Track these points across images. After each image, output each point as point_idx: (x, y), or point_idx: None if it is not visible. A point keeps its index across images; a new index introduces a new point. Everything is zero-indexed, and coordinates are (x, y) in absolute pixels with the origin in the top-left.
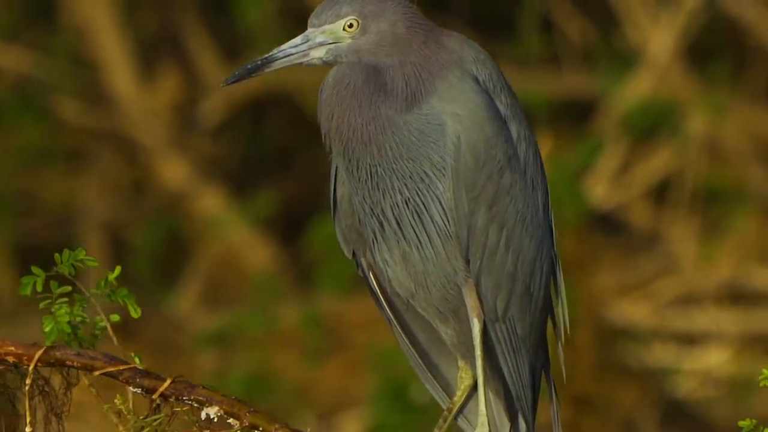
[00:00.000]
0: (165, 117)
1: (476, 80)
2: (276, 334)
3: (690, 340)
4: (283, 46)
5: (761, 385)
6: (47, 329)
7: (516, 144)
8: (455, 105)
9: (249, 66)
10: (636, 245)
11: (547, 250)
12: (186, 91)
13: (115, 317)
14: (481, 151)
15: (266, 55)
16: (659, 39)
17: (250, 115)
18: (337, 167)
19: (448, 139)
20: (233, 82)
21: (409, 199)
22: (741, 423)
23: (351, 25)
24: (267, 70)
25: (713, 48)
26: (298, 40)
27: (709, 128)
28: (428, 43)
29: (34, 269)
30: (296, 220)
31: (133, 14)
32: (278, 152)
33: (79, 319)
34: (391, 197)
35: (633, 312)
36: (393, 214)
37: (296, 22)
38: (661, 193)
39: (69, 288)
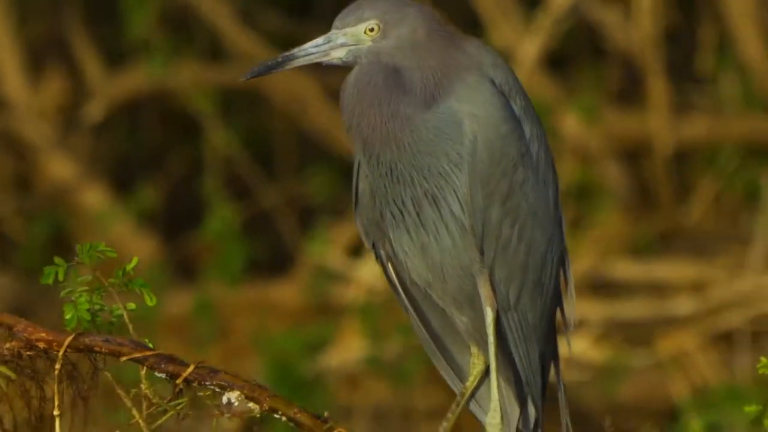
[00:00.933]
0: (51, 116)
1: (493, 83)
2: (162, 322)
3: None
4: (305, 46)
5: (760, 372)
6: (68, 316)
7: (529, 143)
8: (473, 105)
9: (270, 63)
10: None
11: (557, 244)
12: (71, 93)
13: (132, 305)
14: (497, 149)
15: (287, 53)
16: (524, 44)
17: (128, 114)
18: (359, 163)
19: (465, 137)
20: (253, 77)
21: (427, 191)
22: (747, 409)
23: (372, 29)
24: (287, 67)
25: (573, 52)
26: (320, 40)
27: (578, 130)
28: (447, 48)
29: (57, 260)
30: (176, 215)
31: (23, 18)
32: (155, 150)
33: (97, 307)
34: (411, 190)
35: None
36: (413, 206)
37: (178, 30)
38: None
39: (89, 278)
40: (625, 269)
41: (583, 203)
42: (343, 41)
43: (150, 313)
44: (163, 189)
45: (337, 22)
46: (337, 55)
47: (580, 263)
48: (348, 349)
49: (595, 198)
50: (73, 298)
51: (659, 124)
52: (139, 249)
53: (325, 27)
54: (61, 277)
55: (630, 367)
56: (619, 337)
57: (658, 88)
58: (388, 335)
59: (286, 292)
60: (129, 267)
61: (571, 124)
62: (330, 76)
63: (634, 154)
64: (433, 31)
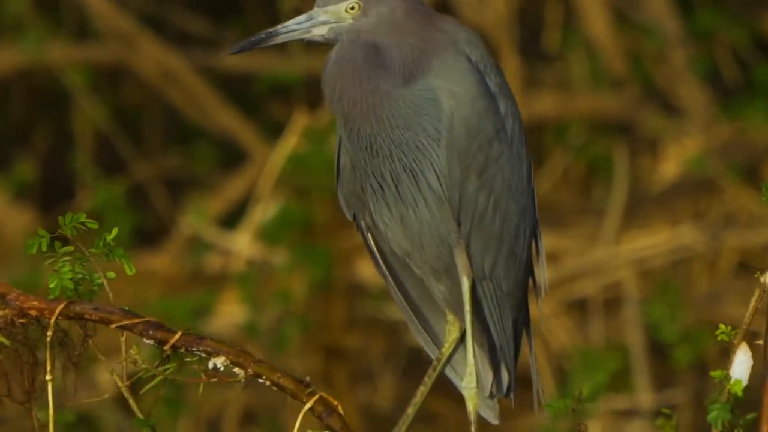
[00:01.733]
0: None
1: (469, 60)
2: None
3: None
4: (288, 23)
5: (718, 339)
6: (52, 285)
7: (504, 118)
8: (450, 82)
9: (254, 39)
10: None
11: (530, 216)
12: None
13: (112, 274)
14: (473, 124)
15: (270, 30)
16: None
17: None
18: (340, 138)
19: (442, 112)
20: (237, 53)
21: (406, 165)
22: (713, 374)
23: (353, 8)
24: (271, 43)
25: None
26: (302, 18)
27: None
28: (425, 26)
29: (40, 231)
30: (50, 189)
31: None
32: (25, 126)
33: (80, 276)
34: (390, 164)
35: (370, 270)
36: (392, 179)
37: (49, 10)
38: None
39: (72, 248)
40: None
41: None
42: (324, 19)
43: (30, 283)
44: (35, 164)
45: (319, 0)
46: (319, 33)
47: None
48: (227, 316)
49: None
50: (56, 268)
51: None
52: (15, 222)
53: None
54: (44, 248)
55: None
56: None
57: (511, 65)
58: (266, 303)
59: (163, 263)
60: (109, 237)
61: None
62: (198, 53)
63: None
64: (411, 10)
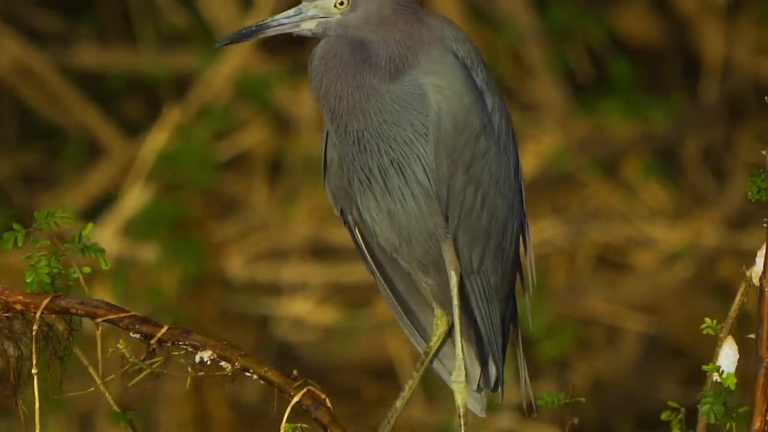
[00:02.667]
0: None
1: (456, 56)
2: None
3: (282, 289)
4: (277, 16)
5: (704, 333)
6: (29, 280)
7: (491, 114)
8: (437, 77)
9: (244, 31)
10: (232, 206)
11: (517, 210)
12: None
13: (87, 269)
14: (460, 120)
15: (260, 22)
16: (247, 21)
17: None
18: (327, 132)
19: (429, 107)
20: (227, 44)
21: (393, 159)
22: (705, 367)
23: (342, 3)
24: (260, 36)
25: None
26: (291, 12)
27: (287, 103)
28: (412, 22)
29: (15, 226)
30: None
31: None
32: None
33: (56, 270)
34: (377, 158)
35: (239, 265)
36: (380, 173)
37: None
38: (247, 161)
39: (47, 242)
40: (344, 234)
41: (301, 173)
42: (313, 13)
43: None
44: None
45: None
46: (307, 27)
47: (299, 230)
48: None
49: (311, 166)
50: (32, 263)
51: None
52: None
53: None
54: (20, 243)
55: (353, 328)
56: (341, 299)
57: None
58: (137, 298)
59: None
60: (85, 232)
61: (283, 98)
62: (51, 49)
63: None
64: (399, 6)
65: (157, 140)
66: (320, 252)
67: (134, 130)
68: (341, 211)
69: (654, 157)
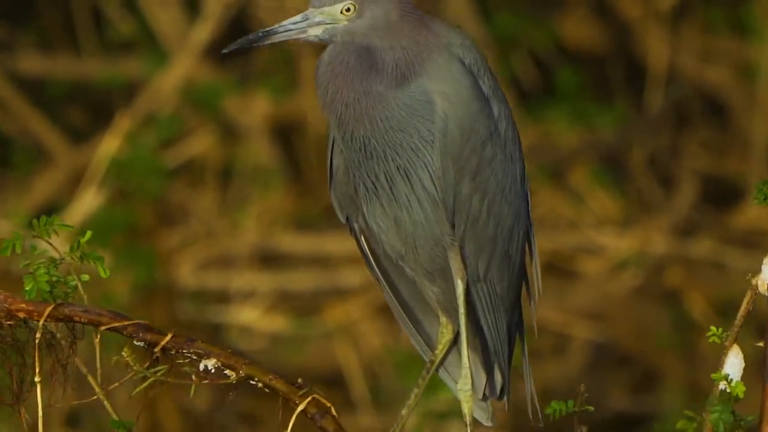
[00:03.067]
0: None
1: (462, 63)
2: None
3: (231, 297)
4: (284, 22)
5: (710, 341)
6: (28, 287)
7: (497, 121)
8: (444, 84)
9: (251, 37)
10: (180, 214)
11: (523, 218)
12: None
13: (86, 277)
14: (467, 127)
15: (267, 29)
16: (194, 29)
17: None
18: (333, 139)
19: (436, 114)
20: (234, 50)
21: (400, 166)
22: (713, 376)
23: (348, 9)
24: (267, 42)
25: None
26: (298, 18)
27: (235, 111)
28: (419, 29)
29: (14, 233)
30: None
31: None
32: None
33: (55, 279)
34: (384, 165)
35: (188, 273)
36: (386, 180)
37: None
38: (196, 169)
39: (46, 250)
40: (292, 242)
41: (250, 181)
42: (320, 19)
43: None
44: None
45: (315, 1)
46: (314, 33)
47: (248, 238)
48: None
49: (259, 175)
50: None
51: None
52: None
53: None
54: (18, 250)
55: (302, 336)
56: (290, 307)
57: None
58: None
59: None
60: (83, 240)
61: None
62: None
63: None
64: (405, 13)
65: (107, 147)
66: (269, 260)
67: (79, 138)
68: (347, 219)
69: (601, 164)
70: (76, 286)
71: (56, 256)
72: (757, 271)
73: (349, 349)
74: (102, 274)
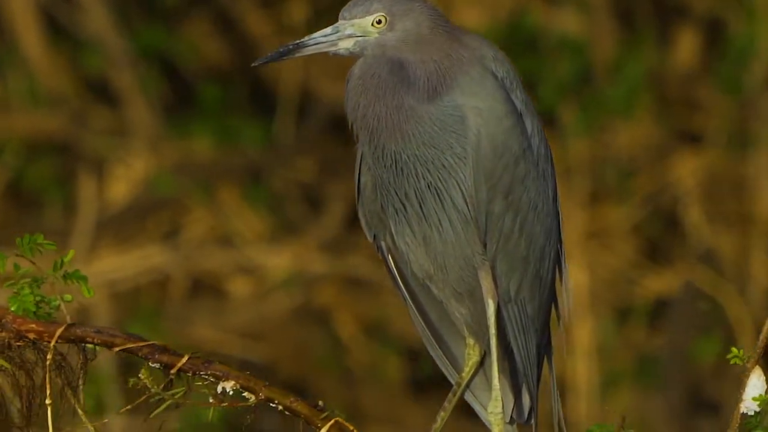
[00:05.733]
0: None
1: (495, 77)
2: None
3: None
4: (315, 35)
5: (732, 362)
6: (13, 308)
7: (530, 137)
8: (476, 99)
9: (281, 50)
10: None
11: (555, 237)
12: None
13: (68, 297)
14: (500, 143)
15: (298, 41)
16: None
17: None
18: (362, 156)
19: (469, 130)
20: (265, 63)
21: (431, 183)
22: (754, 399)
23: (379, 22)
24: (297, 54)
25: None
26: (328, 30)
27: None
28: (450, 42)
29: None
30: None
31: None
32: None
33: (38, 298)
34: (414, 182)
35: None
36: (416, 198)
37: None
38: None
39: (30, 269)
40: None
41: None
42: (350, 32)
43: None
44: None
45: (345, 13)
46: (345, 46)
47: None
48: None
49: None
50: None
51: None
52: None
53: None
54: (2, 270)
55: None
56: None
57: None
58: None
59: None
60: (66, 259)
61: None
62: None
63: None
64: (436, 25)
65: None
66: None
67: None
68: (374, 237)
69: (250, 182)
70: (58, 306)
71: (38, 275)
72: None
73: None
74: (85, 294)
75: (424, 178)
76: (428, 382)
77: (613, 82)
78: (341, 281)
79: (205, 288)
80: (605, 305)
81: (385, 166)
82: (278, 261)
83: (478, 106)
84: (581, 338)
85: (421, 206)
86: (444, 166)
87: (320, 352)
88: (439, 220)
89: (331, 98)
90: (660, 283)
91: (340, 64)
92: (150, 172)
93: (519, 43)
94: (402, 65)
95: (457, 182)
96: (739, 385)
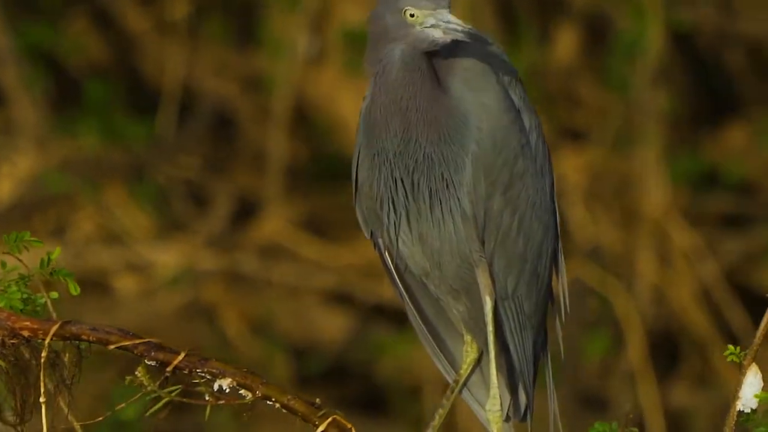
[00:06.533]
0: None
1: (495, 72)
2: None
3: None
4: (450, 21)
5: (728, 360)
6: (1, 304)
7: (528, 133)
8: (479, 94)
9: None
10: None
11: (552, 234)
12: None
13: (54, 294)
14: (499, 139)
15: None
16: None
17: None
18: (359, 153)
19: (471, 125)
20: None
21: (444, 178)
22: (756, 395)
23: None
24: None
25: None
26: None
27: None
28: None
29: None
30: None
31: None
32: None
33: (25, 296)
34: (426, 178)
35: None
36: (428, 193)
37: None
38: None
39: (18, 266)
40: None
41: None
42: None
43: None
44: None
45: (442, 1)
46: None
47: None
48: None
49: None
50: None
51: None
52: None
53: None
54: None
55: None
56: None
57: None
58: None
59: None
60: (53, 255)
61: None
62: None
63: None
64: None
65: None
66: None
67: None
68: (371, 234)
69: (136, 180)
70: (45, 303)
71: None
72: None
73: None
74: (72, 291)
75: (439, 173)
76: (316, 380)
77: None
78: (228, 278)
79: (92, 285)
80: None
81: (403, 160)
82: (166, 258)
83: (480, 101)
84: None
85: (430, 201)
86: (457, 162)
87: (208, 350)
88: (442, 216)
89: (213, 95)
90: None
91: (222, 60)
92: (36, 170)
93: None
94: (429, 59)
95: (461, 178)
96: (737, 383)
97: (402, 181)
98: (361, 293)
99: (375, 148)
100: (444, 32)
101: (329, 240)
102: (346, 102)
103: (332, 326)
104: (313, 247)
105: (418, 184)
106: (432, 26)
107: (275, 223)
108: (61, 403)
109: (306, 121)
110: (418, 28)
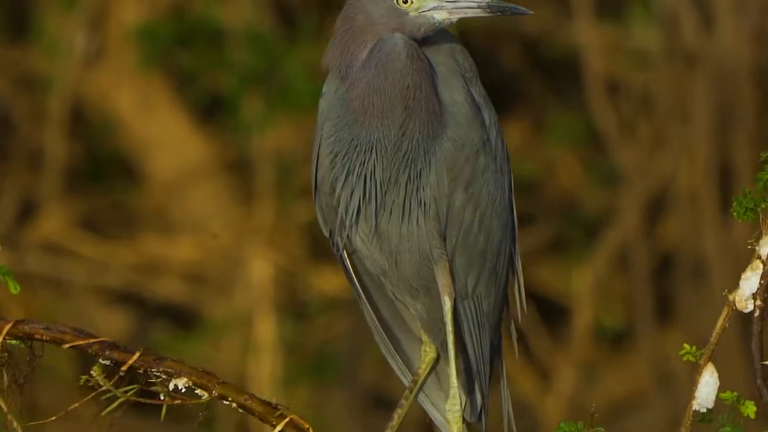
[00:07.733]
0: None
1: (462, 67)
2: None
3: None
4: None
5: (684, 359)
6: None
7: (488, 130)
8: (446, 90)
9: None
10: None
11: (510, 232)
12: None
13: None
14: (461, 134)
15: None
16: None
17: None
18: (319, 151)
19: (451, 122)
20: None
21: (421, 173)
22: (722, 395)
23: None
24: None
25: None
26: None
27: None
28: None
29: None
30: None
31: None
32: None
33: None
34: (407, 171)
35: None
36: (404, 187)
37: None
38: None
39: None
40: None
41: None
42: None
43: None
44: None
45: None
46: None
47: None
48: None
49: None
50: None
51: None
52: None
53: None
54: None
55: None
56: None
57: None
58: None
59: None
60: None
61: None
62: None
63: None
64: None
65: None
66: None
67: None
68: (330, 233)
69: None
70: None
71: None
72: (734, 287)
73: None
74: (12, 290)
75: (423, 170)
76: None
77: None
78: (16, 276)
79: None
80: (287, 300)
81: (386, 152)
82: None
83: (452, 96)
84: (264, 333)
85: (402, 196)
86: (431, 156)
87: None
88: (409, 212)
89: None
90: (340, 279)
91: None
92: None
93: (189, 36)
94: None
95: (428, 173)
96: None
97: (373, 174)
98: (142, 292)
99: (353, 140)
100: (450, 12)
101: (108, 238)
102: (124, 101)
103: (112, 326)
104: (91, 245)
105: (396, 177)
106: (433, 9)
107: (54, 222)
108: (1, 404)
109: (82, 119)
110: (412, 14)
